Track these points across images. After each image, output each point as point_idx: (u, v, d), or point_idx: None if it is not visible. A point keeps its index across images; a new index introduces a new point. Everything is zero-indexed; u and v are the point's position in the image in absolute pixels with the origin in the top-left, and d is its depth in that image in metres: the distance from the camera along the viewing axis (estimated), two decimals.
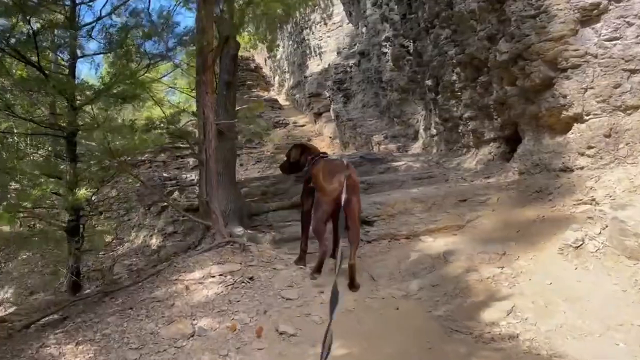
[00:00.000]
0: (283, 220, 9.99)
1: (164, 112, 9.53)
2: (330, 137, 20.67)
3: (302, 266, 5.70)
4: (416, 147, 12.91)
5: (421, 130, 12.83)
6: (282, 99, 29.62)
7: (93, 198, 19.14)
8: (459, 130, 10.33)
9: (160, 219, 18.69)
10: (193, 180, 19.58)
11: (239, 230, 8.40)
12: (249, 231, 8.68)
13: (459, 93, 9.69)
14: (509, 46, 7.53)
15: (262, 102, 21.85)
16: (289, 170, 6.19)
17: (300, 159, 5.91)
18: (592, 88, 6.50)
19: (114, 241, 20.53)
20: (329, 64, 20.33)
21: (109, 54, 8.14)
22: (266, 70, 34.83)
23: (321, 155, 5.82)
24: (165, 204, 18.98)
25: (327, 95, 18.12)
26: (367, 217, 6.80)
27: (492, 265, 5.18)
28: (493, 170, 8.77)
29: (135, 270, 14.07)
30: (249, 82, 32.22)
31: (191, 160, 24.92)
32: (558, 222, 5.82)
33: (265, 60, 35.19)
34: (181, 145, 25.73)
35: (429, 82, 11.11)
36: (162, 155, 25.32)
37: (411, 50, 12.01)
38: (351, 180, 4.94)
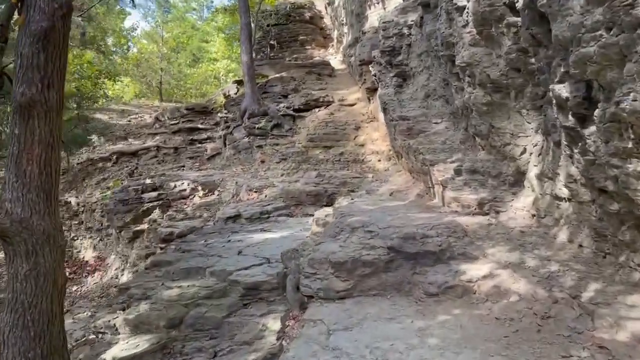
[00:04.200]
0: None
1: None
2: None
3: None
4: (518, 208, 6.24)
5: (532, 174, 6.11)
6: (338, 61, 22.95)
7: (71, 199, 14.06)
8: None
9: (132, 247, 13.50)
10: (185, 190, 14.03)
11: None
12: None
13: None
14: None
15: None
16: None
17: None
18: None
19: (89, 265, 15.83)
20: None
21: None
22: (327, 21, 27.98)
23: None
24: (139, 227, 13.72)
25: (372, 71, 11.45)
26: None
27: None
28: None
29: None
30: (301, 38, 25.67)
31: (209, 147, 19.41)
32: None
33: (326, 7, 28.23)
34: (200, 127, 20.26)
35: (561, 88, 4.35)
36: (176, 137, 20.02)
37: (520, 6, 5.13)
38: None
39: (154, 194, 13.08)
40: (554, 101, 4.65)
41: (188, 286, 5.64)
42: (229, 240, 7.61)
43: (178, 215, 12.89)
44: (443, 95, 8.95)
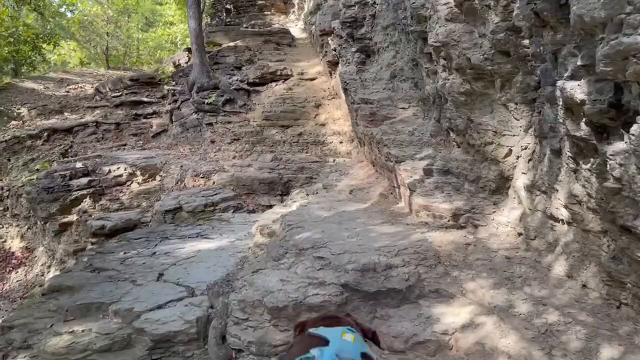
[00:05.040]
0: None
1: None
2: None
3: None
4: (501, 223, 5.15)
5: (519, 182, 4.99)
6: (299, 29, 21.32)
7: None
8: None
9: (60, 242, 11.94)
10: (120, 176, 12.45)
11: None
12: None
13: None
14: None
15: None
16: None
17: None
18: None
19: (15, 257, 14.19)
20: None
21: None
22: None
23: None
24: (67, 219, 12.12)
25: (332, 45, 10.09)
26: None
27: None
28: None
29: None
30: (260, 2, 23.79)
31: (155, 123, 17.66)
32: None
33: None
34: (144, 100, 18.38)
35: (574, 87, 3.16)
36: (118, 111, 18.12)
37: None
38: None
39: (85, 180, 11.49)
40: (560, 102, 3.47)
41: (83, 331, 4.33)
42: (154, 253, 6.28)
43: (112, 205, 11.39)
44: (412, 77, 7.70)
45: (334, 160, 11.91)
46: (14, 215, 13.69)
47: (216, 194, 10.63)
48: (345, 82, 9.11)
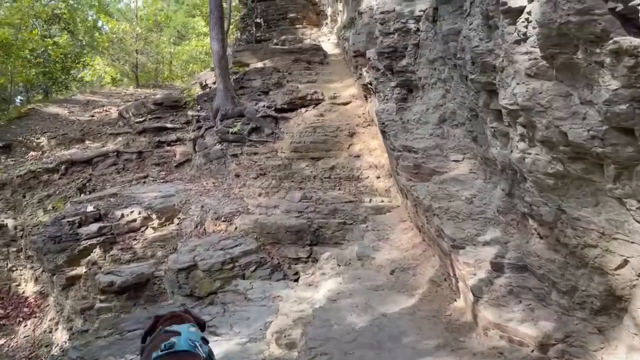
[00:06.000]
0: None
1: None
2: None
3: None
4: None
5: None
6: (331, 44, 19.90)
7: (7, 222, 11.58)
8: None
9: (67, 297, 10.85)
10: (134, 221, 11.26)
11: None
12: None
13: None
14: None
15: None
16: None
17: None
18: None
19: (27, 304, 13.24)
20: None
21: None
22: None
23: None
24: (75, 271, 10.99)
25: (366, 77, 8.61)
26: None
27: None
28: None
29: None
30: (291, 15, 22.49)
31: (179, 152, 16.53)
32: None
33: None
34: (167, 126, 17.30)
35: None
36: (141, 139, 17.12)
37: None
38: None
39: (95, 227, 10.38)
40: None
41: None
42: None
43: (124, 255, 10.24)
44: (470, 129, 6.11)
45: (370, 200, 10.45)
46: (28, 257, 12.78)
47: (237, 245, 9.42)
48: (383, 123, 7.61)
